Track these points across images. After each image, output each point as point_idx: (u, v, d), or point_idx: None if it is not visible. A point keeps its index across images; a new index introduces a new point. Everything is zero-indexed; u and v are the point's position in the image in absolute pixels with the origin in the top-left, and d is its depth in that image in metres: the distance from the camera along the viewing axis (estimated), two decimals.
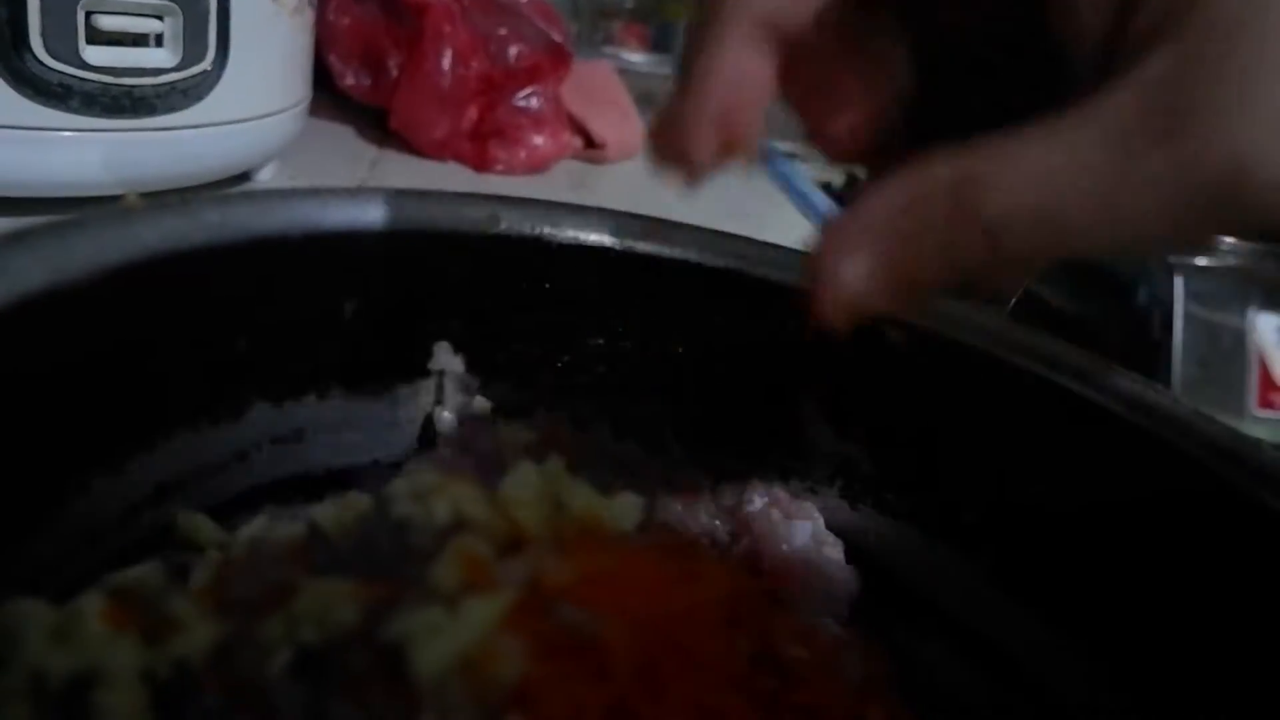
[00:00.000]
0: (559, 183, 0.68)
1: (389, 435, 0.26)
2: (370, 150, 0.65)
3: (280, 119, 0.50)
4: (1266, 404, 0.62)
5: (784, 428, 0.28)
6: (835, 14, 0.19)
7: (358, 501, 0.21)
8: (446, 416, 0.27)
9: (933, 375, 0.27)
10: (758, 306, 0.28)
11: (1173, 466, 0.22)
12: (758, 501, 0.25)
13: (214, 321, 0.23)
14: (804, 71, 0.20)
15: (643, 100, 0.81)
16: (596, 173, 0.72)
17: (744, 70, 0.19)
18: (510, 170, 0.66)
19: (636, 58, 0.92)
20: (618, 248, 0.28)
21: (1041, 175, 0.15)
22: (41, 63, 0.38)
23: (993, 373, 0.25)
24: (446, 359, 0.27)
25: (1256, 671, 0.20)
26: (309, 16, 0.52)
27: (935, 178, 0.16)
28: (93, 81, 0.40)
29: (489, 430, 0.26)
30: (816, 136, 0.22)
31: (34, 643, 0.16)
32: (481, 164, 0.65)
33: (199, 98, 0.44)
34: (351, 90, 0.65)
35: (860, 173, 0.23)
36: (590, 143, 0.73)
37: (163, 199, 0.22)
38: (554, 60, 0.68)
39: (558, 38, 0.69)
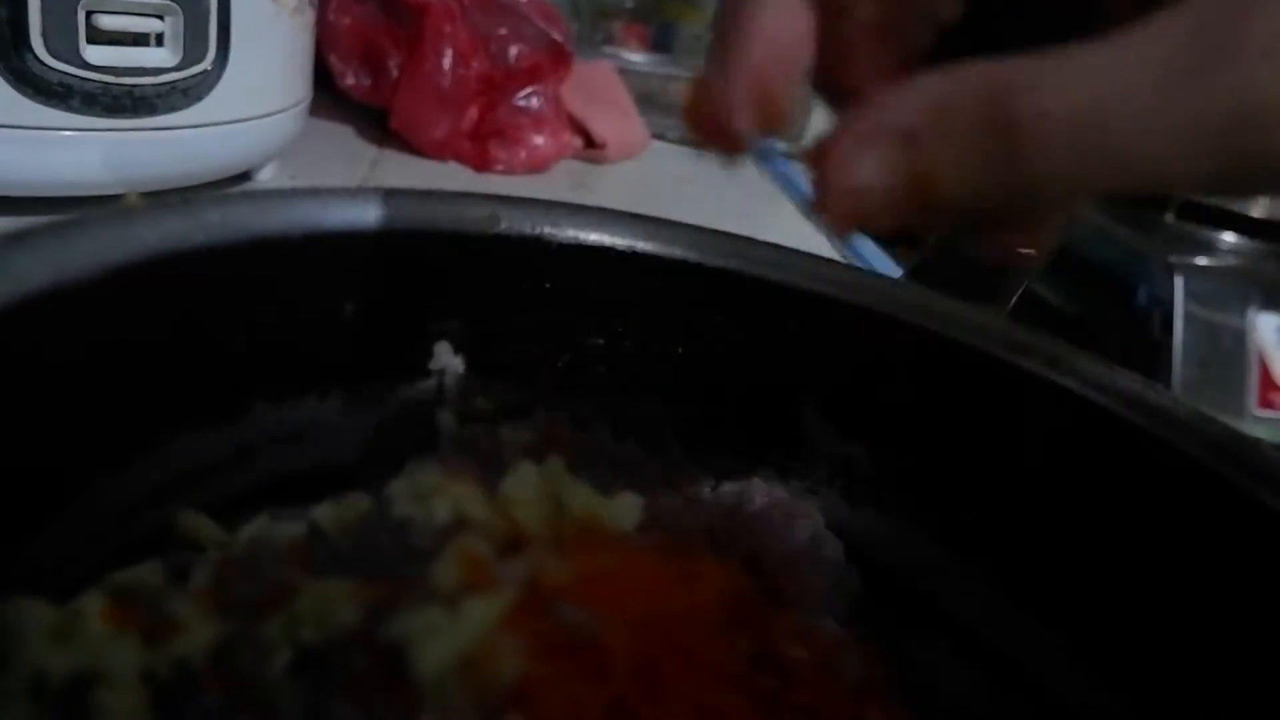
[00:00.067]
0: (559, 183, 0.68)
1: (389, 435, 0.26)
2: (370, 150, 0.65)
3: (280, 119, 0.50)
4: (1266, 404, 0.62)
5: (784, 428, 0.28)
6: None
7: (358, 501, 0.21)
8: (446, 416, 0.27)
9: (933, 375, 0.27)
10: (758, 306, 0.28)
11: (1173, 466, 0.22)
12: (758, 501, 0.25)
13: (214, 321, 0.23)
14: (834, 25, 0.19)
15: (643, 100, 0.81)
16: (596, 173, 0.72)
17: (785, 29, 0.18)
18: (510, 170, 0.66)
19: (636, 58, 0.92)
20: (618, 248, 0.28)
21: (1081, 92, 0.14)
22: (42, 62, 0.38)
23: (993, 373, 0.25)
24: (446, 359, 0.27)
25: (1257, 671, 0.20)
26: (309, 16, 0.52)
27: (967, 80, 0.15)
28: (93, 81, 0.40)
29: (489, 430, 0.26)
30: (833, 88, 0.20)
31: (34, 642, 0.16)
32: (481, 164, 0.65)
33: (199, 97, 0.44)
34: (351, 90, 0.65)
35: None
36: (590, 143, 0.73)
37: (163, 199, 0.22)
38: (554, 60, 0.68)
39: (558, 38, 0.69)
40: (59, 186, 0.42)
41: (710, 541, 0.23)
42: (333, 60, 0.64)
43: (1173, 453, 0.22)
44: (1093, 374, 0.24)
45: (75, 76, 0.39)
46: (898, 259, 0.62)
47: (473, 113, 0.65)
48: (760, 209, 0.71)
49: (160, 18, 0.42)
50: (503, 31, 0.66)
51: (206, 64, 0.44)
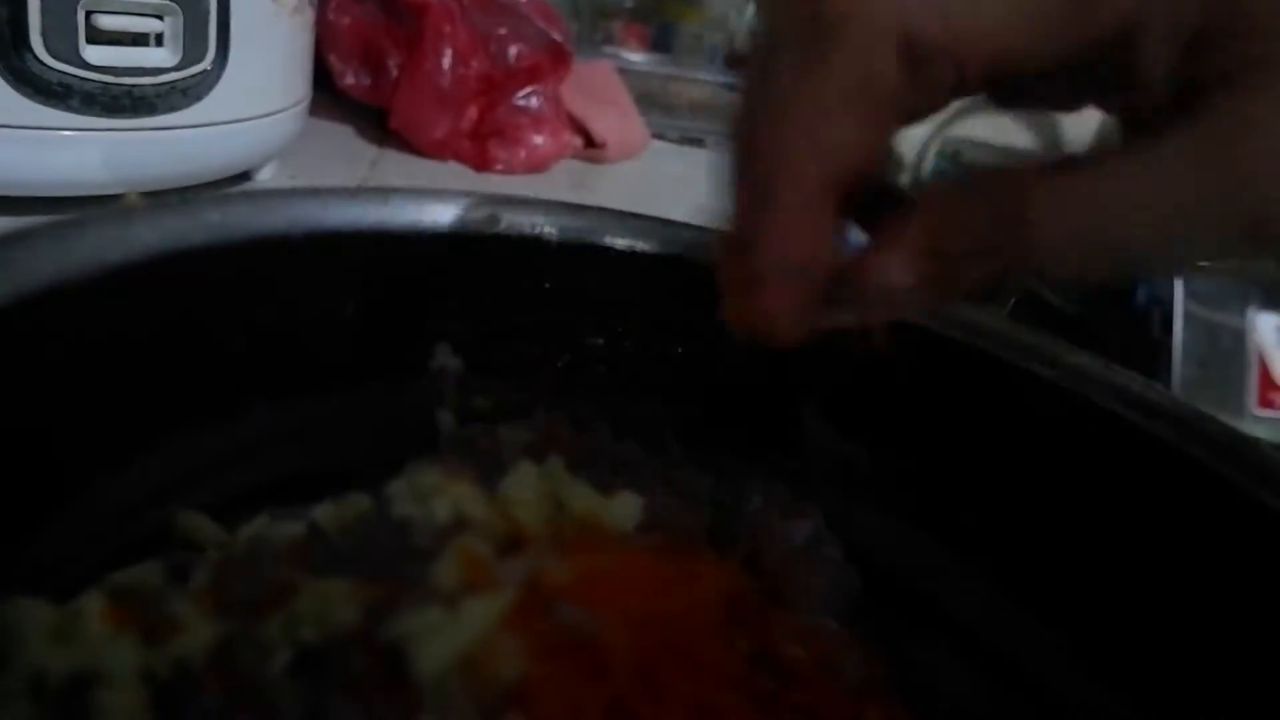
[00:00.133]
0: (559, 182, 0.68)
1: (389, 435, 0.26)
2: (370, 150, 0.65)
3: (280, 119, 0.50)
4: (1266, 403, 0.62)
5: (784, 428, 0.28)
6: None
7: (358, 501, 0.21)
8: (446, 416, 0.27)
9: (933, 375, 0.27)
10: None
11: (1173, 466, 0.22)
12: (757, 501, 0.25)
13: (214, 321, 0.23)
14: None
15: (643, 100, 0.81)
16: (596, 172, 0.72)
17: (816, 233, 0.17)
18: (510, 170, 0.66)
19: (636, 58, 0.91)
20: (618, 248, 0.28)
21: (1094, 199, 0.15)
22: (41, 62, 0.38)
23: (993, 373, 0.25)
24: (446, 359, 0.27)
25: (1257, 671, 0.20)
26: (309, 16, 0.52)
27: (986, 192, 0.16)
28: (93, 81, 0.40)
29: (489, 430, 0.26)
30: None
31: (34, 642, 0.16)
32: (481, 163, 0.65)
33: (199, 97, 0.44)
34: (351, 90, 0.65)
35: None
36: (590, 142, 0.73)
37: (163, 199, 0.22)
38: (554, 60, 0.68)
39: (558, 37, 0.69)
40: (59, 186, 0.42)
41: (710, 541, 0.23)
42: (332, 60, 0.64)
43: (1173, 453, 0.22)
44: (1093, 374, 0.24)
45: (75, 76, 0.39)
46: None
47: (472, 112, 0.65)
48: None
49: (160, 18, 0.42)
50: (502, 31, 0.66)
51: (206, 64, 0.44)
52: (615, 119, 0.76)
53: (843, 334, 0.19)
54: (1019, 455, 0.25)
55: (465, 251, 0.26)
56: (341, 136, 0.66)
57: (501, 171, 0.66)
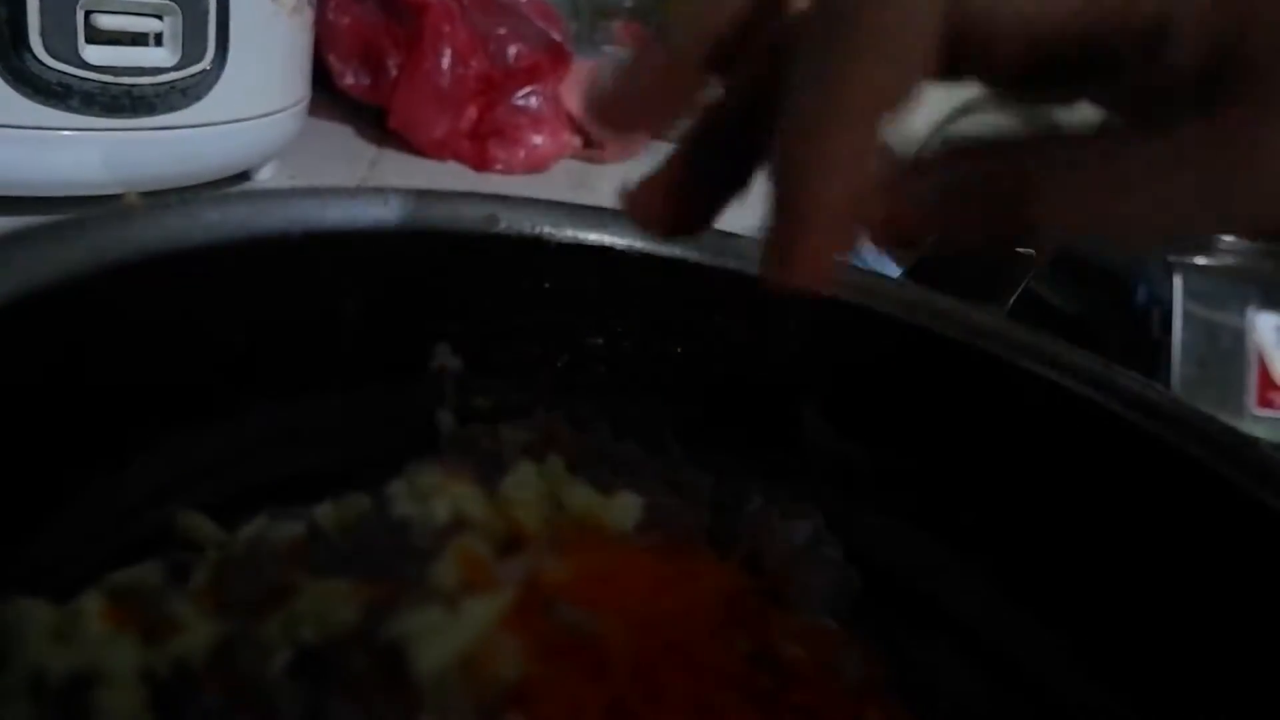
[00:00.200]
0: (559, 182, 0.68)
1: (389, 435, 0.26)
2: (370, 150, 0.65)
3: (279, 118, 0.50)
4: (1266, 403, 0.62)
5: (784, 428, 0.28)
6: None
7: (358, 501, 0.21)
8: (446, 416, 0.27)
9: (933, 375, 0.27)
10: (757, 306, 0.28)
11: (1173, 466, 0.22)
12: (757, 501, 0.25)
13: (214, 321, 0.23)
14: None
15: None
16: (596, 172, 0.72)
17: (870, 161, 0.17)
18: (510, 170, 0.66)
19: None
20: (618, 248, 0.28)
21: (1104, 171, 0.16)
22: (41, 62, 0.38)
23: (993, 373, 0.25)
24: (446, 359, 0.27)
25: (1256, 671, 0.20)
26: (308, 16, 0.52)
27: (1003, 149, 0.17)
28: (92, 81, 0.40)
29: (489, 430, 0.26)
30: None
31: (34, 642, 0.16)
32: (481, 163, 0.65)
33: (198, 97, 0.44)
34: (351, 90, 0.65)
35: None
36: (590, 142, 0.73)
37: (162, 199, 0.22)
38: (553, 60, 0.68)
39: (557, 37, 0.69)
40: (58, 186, 0.42)
41: (710, 541, 0.23)
42: (332, 60, 0.64)
43: (1173, 452, 0.22)
44: (1093, 374, 0.24)
45: (74, 76, 0.39)
46: (898, 259, 0.62)
47: (472, 112, 0.65)
48: (760, 209, 0.71)
49: (159, 17, 0.42)
50: (502, 31, 0.66)
51: (205, 64, 0.44)
52: None
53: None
54: (1019, 455, 0.25)
55: (465, 251, 0.26)
56: (341, 136, 0.66)
57: (501, 171, 0.66)
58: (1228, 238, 0.79)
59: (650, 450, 0.26)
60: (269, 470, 0.24)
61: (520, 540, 0.20)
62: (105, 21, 0.40)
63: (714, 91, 0.18)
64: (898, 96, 0.16)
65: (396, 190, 0.25)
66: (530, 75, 0.67)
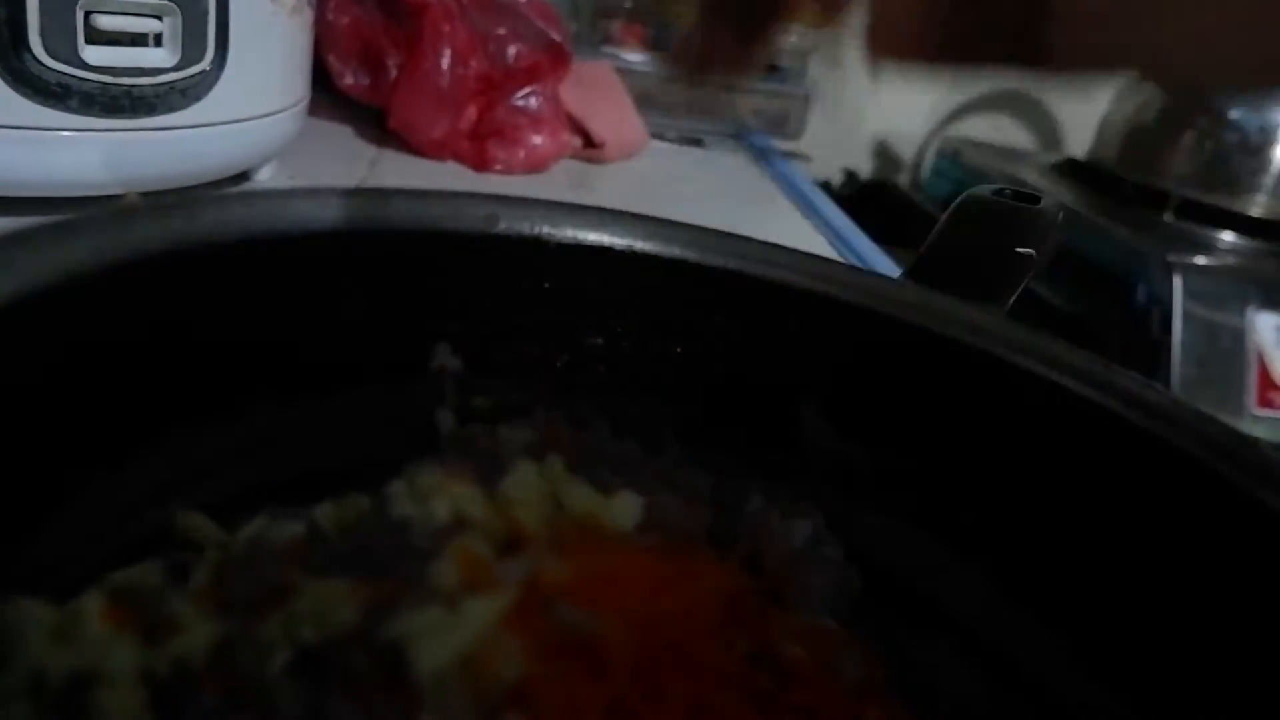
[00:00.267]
0: (559, 182, 0.68)
1: (389, 435, 0.26)
2: (369, 150, 0.65)
3: (279, 119, 0.50)
4: (1266, 403, 0.62)
5: (783, 428, 0.28)
6: None
7: (358, 501, 0.21)
8: (446, 416, 0.27)
9: (933, 375, 0.27)
10: (757, 306, 0.28)
11: (1173, 466, 0.22)
12: (757, 501, 0.25)
13: (214, 321, 0.23)
14: None
15: (642, 100, 0.81)
16: (596, 172, 0.72)
17: None
18: (509, 170, 0.66)
19: (636, 58, 0.91)
20: (618, 248, 0.28)
21: None
22: (40, 62, 0.38)
23: (993, 373, 0.25)
24: (446, 359, 0.27)
25: (1256, 671, 0.20)
26: (308, 16, 0.52)
27: None
28: (92, 81, 0.40)
29: (489, 430, 0.26)
30: None
31: (34, 642, 0.16)
32: (480, 164, 0.65)
33: (198, 97, 0.44)
34: (350, 90, 0.65)
35: None
36: (590, 142, 0.73)
37: (162, 199, 0.22)
38: (553, 60, 0.68)
39: (557, 37, 0.69)
40: (58, 186, 0.42)
41: (710, 541, 0.23)
42: (331, 60, 0.64)
43: (1173, 452, 0.22)
44: (1092, 373, 0.24)
45: (74, 77, 0.39)
46: (898, 259, 0.62)
47: (471, 112, 0.65)
48: (760, 209, 0.71)
49: (159, 18, 0.42)
50: (501, 31, 0.66)
51: (205, 64, 0.44)
52: (614, 119, 0.76)
53: None
54: (1018, 455, 0.25)
55: (465, 251, 0.26)
56: (340, 136, 0.66)
57: (501, 171, 0.66)
58: (1227, 237, 0.79)
59: (650, 450, 0.26)
60: (269, 470, 0.24)
61: (520, 540, 0.20)
62: (105, 22, 0.40)
63: None
64: None
65: (396, 190, 0.25)
66: (530, 75, 0.67)
